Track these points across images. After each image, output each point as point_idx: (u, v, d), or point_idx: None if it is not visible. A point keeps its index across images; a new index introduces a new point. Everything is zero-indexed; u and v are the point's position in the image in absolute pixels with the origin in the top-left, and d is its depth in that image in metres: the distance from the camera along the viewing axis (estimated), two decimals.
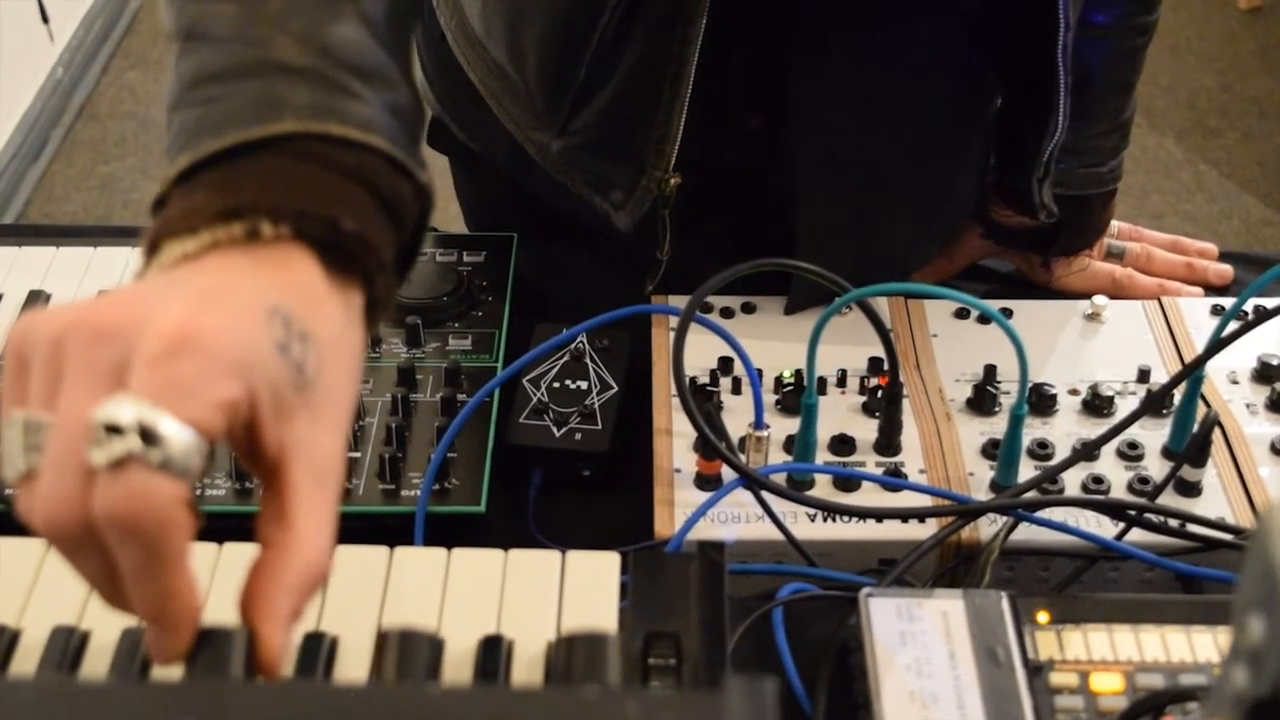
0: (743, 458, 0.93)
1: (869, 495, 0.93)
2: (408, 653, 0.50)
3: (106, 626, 0.77)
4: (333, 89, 0.65)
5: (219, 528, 0.67)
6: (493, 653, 0.74)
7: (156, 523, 0.52)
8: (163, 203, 0.63)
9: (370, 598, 0.77)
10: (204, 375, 0.53)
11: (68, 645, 0.75)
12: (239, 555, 0.77)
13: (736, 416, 0.97)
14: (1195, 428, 0.92)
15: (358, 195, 0.63)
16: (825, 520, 0.91)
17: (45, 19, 3.21)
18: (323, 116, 0.63)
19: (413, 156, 0.66)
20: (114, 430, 0.51)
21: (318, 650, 0.74)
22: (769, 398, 0.99)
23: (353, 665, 0.72)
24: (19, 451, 0.54)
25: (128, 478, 0.51)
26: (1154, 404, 0.94)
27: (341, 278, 0.62)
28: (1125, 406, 0.99)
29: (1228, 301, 1.07)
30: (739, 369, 1.00)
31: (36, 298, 1.08)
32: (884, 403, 0.95)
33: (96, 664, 0.75)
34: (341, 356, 0.61)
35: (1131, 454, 0.95)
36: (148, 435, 0.51)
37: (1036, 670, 0.77)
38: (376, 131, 0.64)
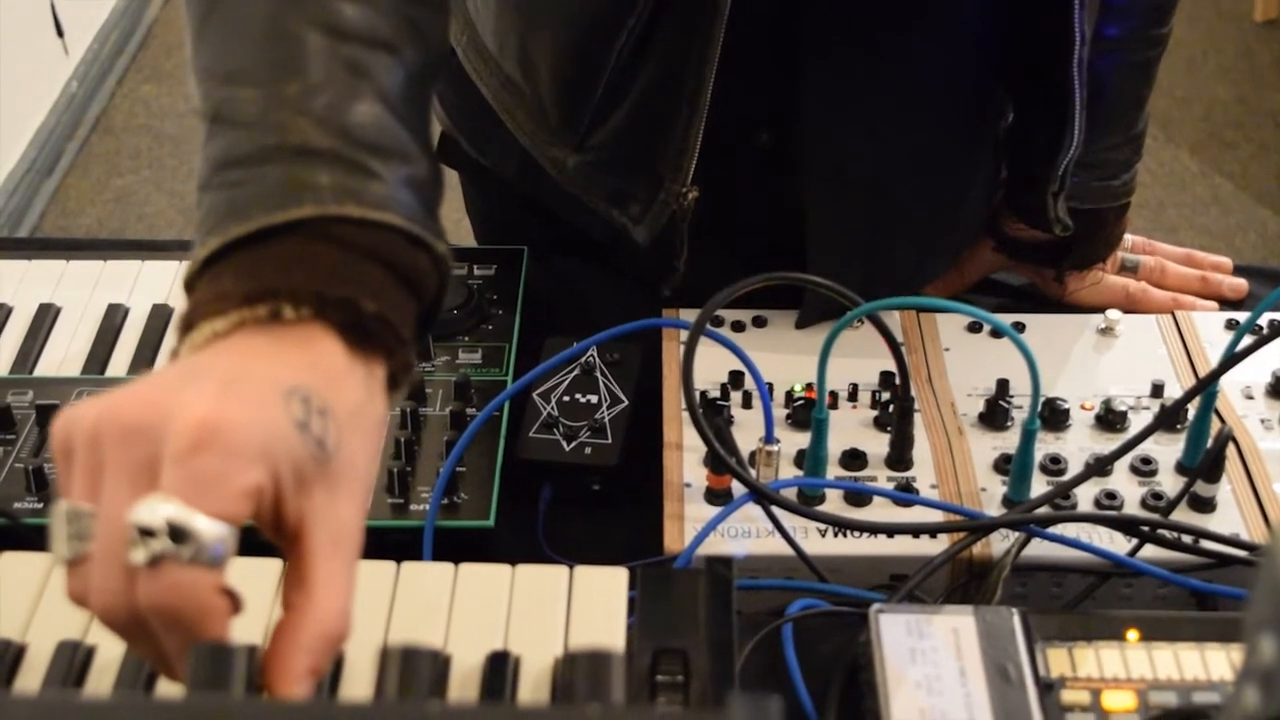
0: (753, 472, 0.93)
1: (880, 510, 0.92)
2: (410, 670, 0.49)
3: (112, 642, 0.76)
4: (351, 170, 0.67)
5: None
6: (499, 669, 0.74)
7: (194, 612, 0.56)
8: (193, 281, 0.67)
9: (377, 613, 0.77)
10: (228, 468, 0.57)
11: (73, 660, 0.75)
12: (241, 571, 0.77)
13: (747, 431, 0.96)
14: (1209, 443, 0.92)
15: (376, 274, 0.66)
16: (836, 535, 0.90)
17: (60, 33, 3.22)
18: (341, 199, 0.66)
19: (429, 228, 0.69)
20: (147, 533, 0.55)
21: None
22: (780, 412, 0.99)
23: (360, 682, 0.72)
24: (64, 540, 0.59)
25: (164, 575, 0.56)
26: (1167, 419, 0.93)
27: (363, 353, 0.65)
28: (1139, 421, 0.98)
29: (1242, 316, 1.06)
30: (750, 383, 1.00)
31: (46, 311, 1.08)
32: (895, 417, 0.95)
33: (102, 679, 0.75)
34: (361, 428, 0.64)
35: (1145, 469, 0.94)
36: (178, 534, 0.55)
37: (1048, 688, 0.77)
38: (393, 209, 0.67)
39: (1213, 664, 0.78)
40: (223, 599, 0.58)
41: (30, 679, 0.74)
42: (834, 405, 0.99)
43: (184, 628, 0.56)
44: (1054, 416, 0.98)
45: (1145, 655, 0.78)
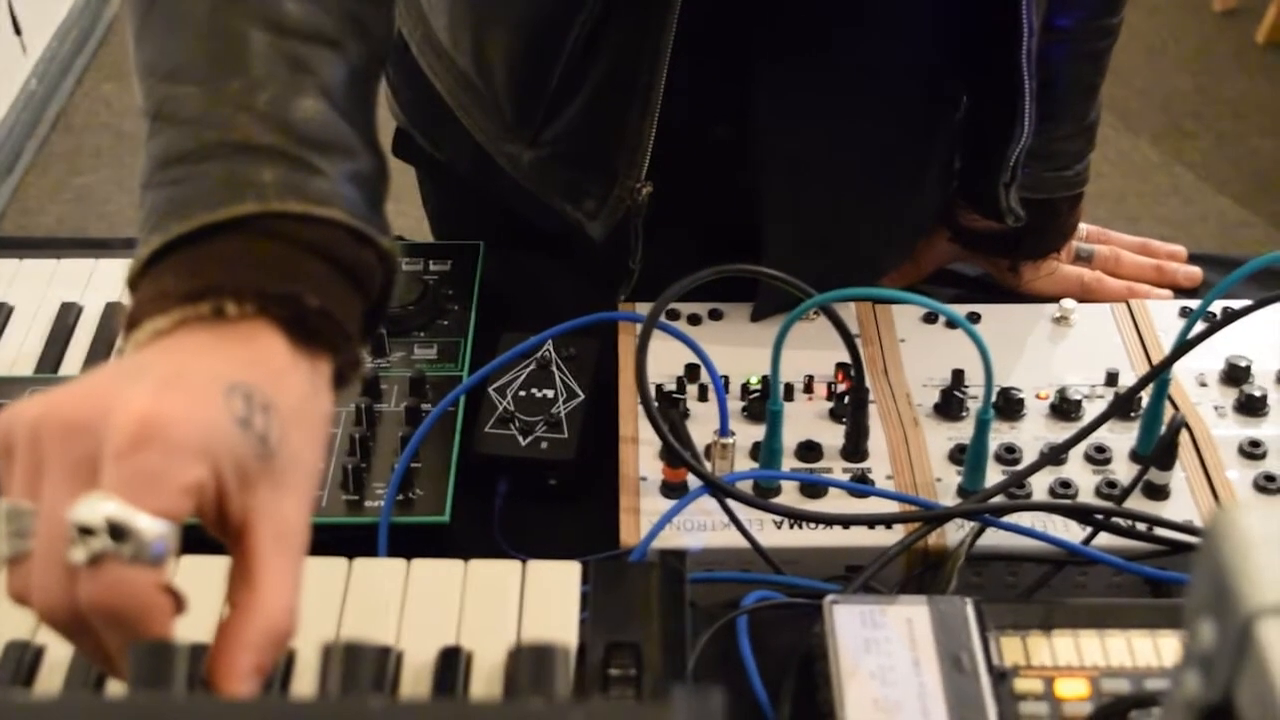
0: (708, 465, 0.93)
1: (836, 502, 0.92)
2: (353, 666, 0.49)
3: (61, 642, 0.76)
4: (294, 166, 0.67)
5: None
6: (451, 664, 0.74)
7: (135, 610, 0.56)
8: (136, 280, 0.66)
9: (329, 609, 0.77)
10: (167, 465, 0.56)
11: (22, 660, 0.74)
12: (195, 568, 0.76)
13: (703, 424, 0.96)
14: (1162, 431, 0.92)
15: (320, 270, 0.65)
16: (792, 527, 0.91)
17: (18, 30, 3.19)
18: (283, 195, 0.66)
19: (373, 224, 0.69)
20: (87, 531, 0.55)
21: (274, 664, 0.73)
22: (735, 404, 0.99)
23: (311, 678, 0.72)
24: (4, 538, 0.59)
25: (104, 573, 0.55)
26: (1121, 407, 0.94)
27: (307, 348, 0.65)
28: (1093, 410, 0.98)
29: (1196, 304, 1.07)
30: (705, 376, 1.00)
31: (1, 313, 1.07)
32: (850, 408, 0.95)
33: (51, 679, 0.74)
34: (305, 424, 0.63)
35: (1099, 458, 0.95)
36: (118, 532, 0.55)
37: (1001, 677, 0.77)
38: (337, 205, 0.67)
39: (1165, 651, 0.78)
40: (164, 597, 0.57)
41: None
42: (790, 397, 0.99)
43: (125, 626, 0.56)
44: (1009, 406, 0.98)
45: (1098, 643, 0.79)
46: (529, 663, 0.49)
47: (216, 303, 0.62)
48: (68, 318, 1.07)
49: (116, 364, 0.63)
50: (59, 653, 0.76)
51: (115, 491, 0.56)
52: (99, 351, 1.04)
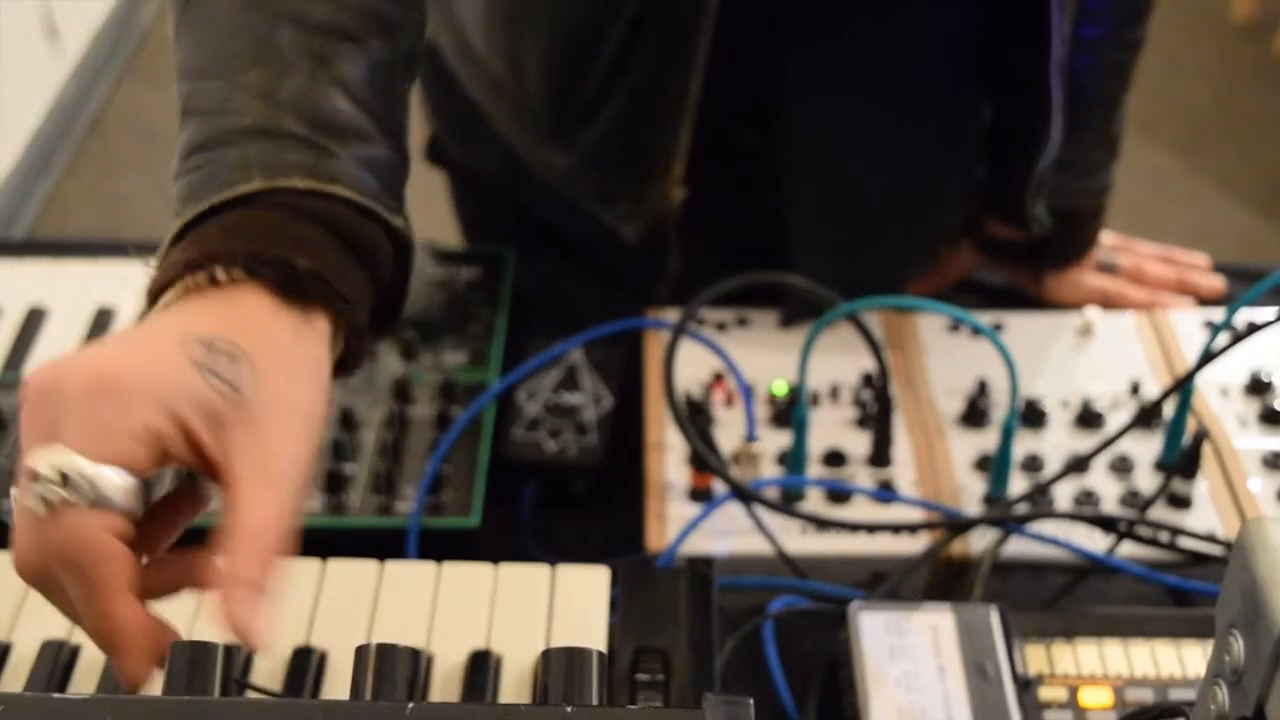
0: (735, 471, 0.94)
1: (861, 508, 0.93)
2: (386, 669, 0.50)
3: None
4: (305, 147, 0.70)
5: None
6: (481, 668, 0.75)
7: (87, 555, 0.58)
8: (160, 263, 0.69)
9: (360, 612, 0.78)
10: (117, 414, 0.59)
11: (57, 659, 0.75)
12: None
13: (730, 430, 0.97)
14: (1185, 441, 0.93)
15: (316, 235, 0.68)
16: (817, 533, 0.91)
17: (54, 35, 3.22)
18: (288, 172, 0.68)
19: (384, 203, 0.71)
20: (38, 479, 0.57)
21: (306, 666, 0.74)
22: (762, 411, 0.99)
23: (343, 681, 0.73)
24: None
25: (58, 519, 0.58)
26: (1144, 417, 0.94)
27: (297, 303, 0.66)
28: (1116, 420, 0.99)
29: (1219, 314, 1.07)
30: (732, 382, 1.01)
31: (36, 313, 1.09)
32: (876, 416, 0.95)
33: (87, 678, 0.75)
34: (287, 366, 0.65)
35: (1122, 467, 0.95)
36: (66, 480, 0.57)
37: (1025, 685, 0.77)
38: (342, 182, 0.69)
39: (1189, 660, 0.79)
40: (119, 545, 0.59)
41: (15, 677, 0.75)
42: (815, 404, 1.00)
43: (78, 573, 0.58)
44: (1033, 415, 0.99)
45: (1122, 652, 0.79)
46: (560, 667, 0.50)
47: (210, 271, 0.65)
48: (104, 321, 1.08)
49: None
50: (94, 651, 0.77)
51: (70, 444, 0.58)
52: None
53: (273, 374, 0.63)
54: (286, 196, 0.68)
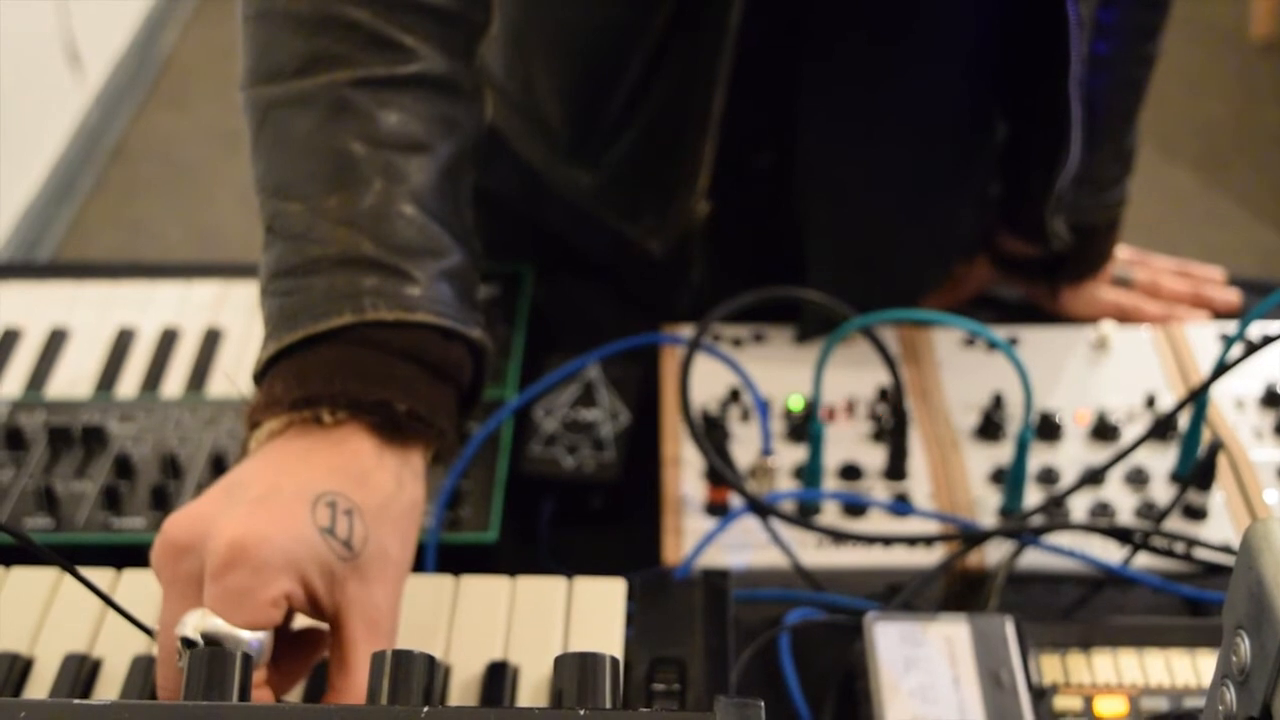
0: (751, 485, 0.94)
1: (877, 522, 0.93)
2: (401, 675, 0.51)
3: (118, 654, 0.78)
4: (388, 274, 0.76)
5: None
6: (499, 679, 0.75)
7: None
8: (258, 378, 0.77)
9: None
10: (255, 582, 0.66)
11: (79, 672, 0.76)
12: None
13: (746, 444, 0.98)
14: (1200, 453, 0.93)
15: (410, 373, 0.75)
16: (833, 546, 0.92)
17: (77, 61, 3.25)
18: (377, 304, 0.75)
19: (462, 317, 0.78)
20: (190, 643, 0.65)
21: (325, 676, 0.75)
22: (778, 425, 1.00)
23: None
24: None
25: None
26: (1159, 429, 0.95)
27: (397, 445, 0.75)
28: (1132, 432, 0.99)
29: (1234, 327, 1.07)
30: (748, 397, 1.01)
31: (58, 334, 1.10)
32: (891, 430, 0.96)
33: (108, 691, 0.76)
34: (390, 520, 0.72)
35: (1138, 480, 0.95)
36: (212, 644, 0.65)
37: (1040, 694, 0.78)
38: (425, 308, 0.76)
39: (1204, 670, 0.79)
40: (261, 691, 0.67)
41: (37, 691, 0.76)
42: (831, 418, 1.01)
43: None
44: (1048, 428, 0.99)
45: (1137, 661, 0.79)
46: (573, 672, 0.51)
47: (315, 411, 0.73)
48: (124, 341, 1.09)
49: (222, 482, 0.72)
50: (115, 665, 0.78)
51: (212, 608, 0.65)
52: (154, 374, 1.06)
53: (379, 527, 0.71)
54: (376, 331, 0.75)
